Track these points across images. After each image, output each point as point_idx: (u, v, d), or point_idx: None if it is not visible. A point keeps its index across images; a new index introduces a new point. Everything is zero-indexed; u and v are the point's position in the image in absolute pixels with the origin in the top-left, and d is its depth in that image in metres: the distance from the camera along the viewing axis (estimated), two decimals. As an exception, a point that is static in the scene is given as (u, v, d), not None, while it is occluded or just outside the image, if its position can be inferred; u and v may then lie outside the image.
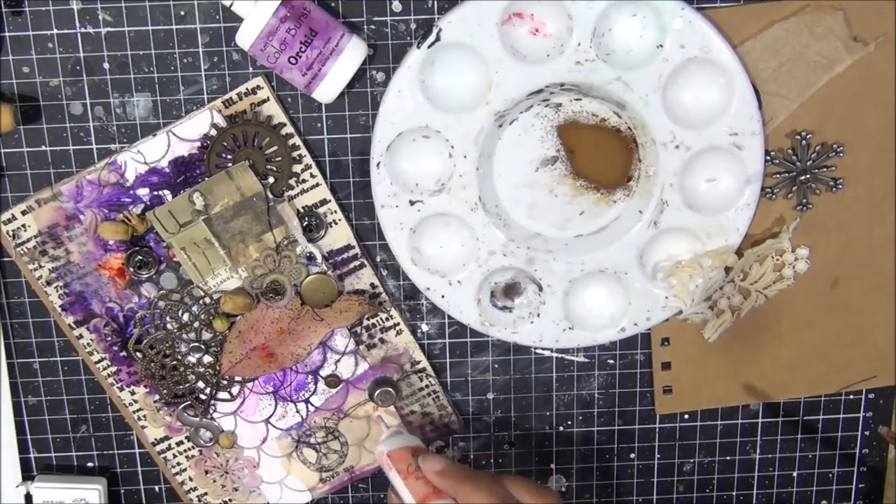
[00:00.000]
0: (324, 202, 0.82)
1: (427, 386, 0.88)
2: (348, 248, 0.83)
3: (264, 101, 0.79)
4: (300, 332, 0.83)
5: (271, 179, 0.80)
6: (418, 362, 0.87)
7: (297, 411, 0.87)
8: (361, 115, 0.81)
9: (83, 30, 0.77)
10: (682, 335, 0.87)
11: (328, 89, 0.76)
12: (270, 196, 0.80)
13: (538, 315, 0.84)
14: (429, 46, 0.76)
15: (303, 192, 0.81)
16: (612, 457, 0.92)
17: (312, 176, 0.81)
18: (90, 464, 0.89)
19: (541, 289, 0.84)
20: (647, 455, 0.92)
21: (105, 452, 0.89)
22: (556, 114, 0.81)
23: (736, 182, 0.81)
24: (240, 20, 0.76)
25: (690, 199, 0.82)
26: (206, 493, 0.90)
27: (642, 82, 0.78)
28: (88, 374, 0.86)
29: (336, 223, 0.82)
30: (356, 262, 0.84)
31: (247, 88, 0.79)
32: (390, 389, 0.85)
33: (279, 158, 0.80)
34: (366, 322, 0.85)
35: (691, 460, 0.92)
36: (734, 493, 0.93)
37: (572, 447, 0.91)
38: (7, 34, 0.77)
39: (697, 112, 0.79)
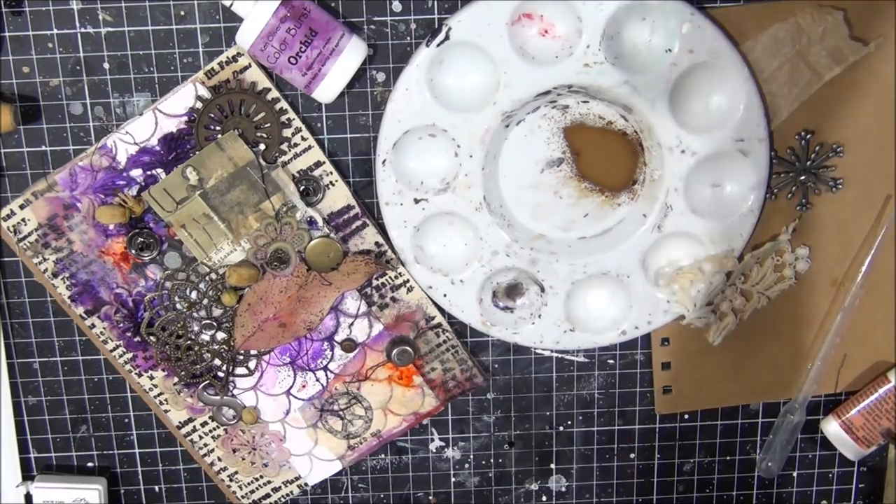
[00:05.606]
0: (318, 164, 0.81)
1: (445, 341, 0.86)
2: (348, 208, 0.82)
3: (246, 68, 0.78)
4: (310, 298, 0.83)
5: (262, 146, 0.79)
6: (433, 318, 0.86)
7: (317, 380, 0.86)
8: (361, 115, 0.80)
9: (83, 30, 0.77)
10: (682, 335, 0.87)
11: (328, 89, 0.76)
12: (263, 163, 0.79)
13: (539, 316, 0.84)
14: (438, 45, 0.76)
15: (296, 156, 0.80)
16: (612, 457, 0.92)
17: (304, 139, 0.80)
18: (90, 464, 0.89)
19: (543, 290, 0.84)
20: (647, 455, 0.92)
21: (105, 452, 0.88)
22: (563, 115, 0.80)
23: (741, 188, 0.81)
24: (240, 20, 0.75)
25: (695, 204, 0.81)
26: (236, 472, 0.89)
27: (650, 86, 0.78)
28: (88, 374, 0.85)
29: (333, 184, 0.81)
30: (358, 223, 0.82)
31: (227, 57, 0.77)
32: (408, 348, 0.84)
33: (268, 124, 0.79)
34: (375, 282, 0.84)
35: (691, 460, 0.92)
36: (734, 493, 0.93)
37: (572, 447, 0.91)
38: (7, 34, 0.76)
39: (704, 117, 0.79)
